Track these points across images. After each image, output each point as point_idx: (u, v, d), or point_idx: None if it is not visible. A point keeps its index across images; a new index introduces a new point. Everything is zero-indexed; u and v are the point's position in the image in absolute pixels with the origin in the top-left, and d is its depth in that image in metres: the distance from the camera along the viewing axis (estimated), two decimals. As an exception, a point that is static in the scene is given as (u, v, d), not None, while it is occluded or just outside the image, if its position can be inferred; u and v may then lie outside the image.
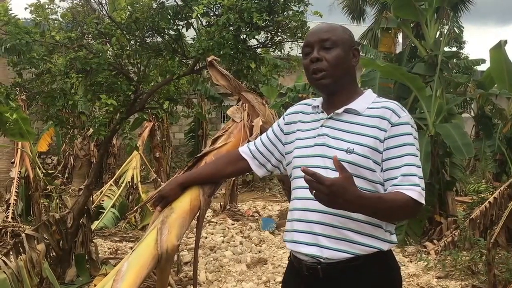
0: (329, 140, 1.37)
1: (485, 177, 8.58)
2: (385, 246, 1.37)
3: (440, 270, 4.34)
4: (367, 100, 1.42)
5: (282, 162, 1.54)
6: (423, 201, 1.32)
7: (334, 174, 1.34)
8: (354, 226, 1.34)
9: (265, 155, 1.56)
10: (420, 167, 1.35)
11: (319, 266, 1.36)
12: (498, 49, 5.57)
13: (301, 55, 1.50)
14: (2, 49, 3.68)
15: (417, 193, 1.30)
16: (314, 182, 1.18)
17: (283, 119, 1.55)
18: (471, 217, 4.92)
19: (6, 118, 4.24)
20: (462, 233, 4.79)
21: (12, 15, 3.32)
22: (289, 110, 1.56)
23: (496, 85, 7.52)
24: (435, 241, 5.08)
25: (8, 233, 5.27)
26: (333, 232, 1.34)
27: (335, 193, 1.18)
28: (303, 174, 1.39)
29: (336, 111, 1.41)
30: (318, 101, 1.49)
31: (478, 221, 4.84)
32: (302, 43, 1.47)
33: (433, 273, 4.32)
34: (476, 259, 4.28)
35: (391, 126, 1.35)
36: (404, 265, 4.49)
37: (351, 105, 1.41)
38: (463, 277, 4.18)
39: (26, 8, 3.31)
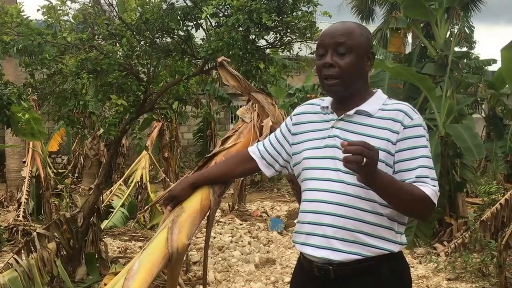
0: (340, 142, 1.36)
1: (496, 178, 8.48)
2: (396, 248, 1.37)
3: (450, 272, 4.30)
4: (378, 101, 1.40)
5: (290, 162, 1.54)
6: (436, 202, 1.32)
7: (345, 176, 1.34)
8: (366, 229, 1.33)
9: (273, 155, 1.56)
10: (433, 169, 1.34)
11: (330, 267, 1.36)
12: (510, 48, 5.49)
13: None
14: (14, 50, 3.74)
15: (431, 191, 1.30)
16: (366, 149, 1.17)
17: (291, 119, 1.54)
18: (482, 219, 4.87)
19: (18, 118, 4.30)
20: (472, 234, 4.74)
21: (25, 16, 3.37)
22: (296, 110, 1.54)
23: (507, 85, 7.42)
24: (445, 242, 5.03)
25: (19, 232, 5.35)
26: (346, 235, 1.34)
27: (376, 160, 1.19)
28: (314, 175, 1.39)
29: (347, 113, 1.39)
30: (327, 101, 1.46)
31: (489, 222, 4.78)
32: (316, 42, 1.44)
33: (443, 275, 4.28)
34: (487, 261, 4.23)
35: (404, 128, 1.34)
36: (413, 267, 4.46)
37: (362, 107, 1.39)
38: (473, 279, 4.14)
39: (38, 10, 3.36)
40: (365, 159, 1.16)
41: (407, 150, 1.33)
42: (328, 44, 1.37)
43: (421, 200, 1.29)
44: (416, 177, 1.31)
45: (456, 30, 6.41)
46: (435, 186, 1.32)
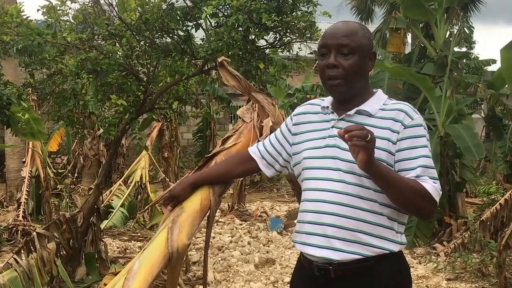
0: (341, 141, 1.35)
1: (495, 179, 8.49)
2: (396, 248, 1.37)
3: (449, 272, 4.30)
4: (378, 101, 1.41)
5: (290, 162, 1.54)
6: (437, 200, 1.32)
7: (346, 176, 1.35)
8: (366, 228, 1.34)
9: (273, 155, 1.56)
10: (434, 169, 1.35)
11: (330, 267, 1.36)
12: (510, 48, 5.50)
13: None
14: (13, 50, 3.74)
15: (432, 187, 1.30)
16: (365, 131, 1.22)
17: (291, 119, 1.54)
18: (481, 219, 4.87)
19: (18, 118, 4.30)
20: (472, 235, 4.74)
21: (25, 16, 3.37)
22: (296, 110, 1.55)
23: (507, 86, 7.44)
24: (444, 242, 5.04)
25: (19, 232, 5.35)
26: (346, 235, 1.34)
27: (374, 138, 1.24)
28: (314, 175, 1.40)
29: (348, 113, 1.40)
30: (327, 101, 1.47)
31: (488, 223, 4.79)
32: (316, 42, 1.46)
33: (443, 275, 4.29)
34: (486, 261, 4.23)
35: (404, 128, 1.35)
36: (413, 267, 4.46)
37: (363, 107, 1.39)
38: (473, 280, 4.14)
39: (38, 10, 3.36)
40: (369, 135, 1.21)
41: (407, 149, 1.34)
42: (331, 45, 1.37)
43: (421, 194, 1.29)
44: (416, 176, 1.32)
45: (455, 30, 6.42)
46: (435, 183, 1.32)
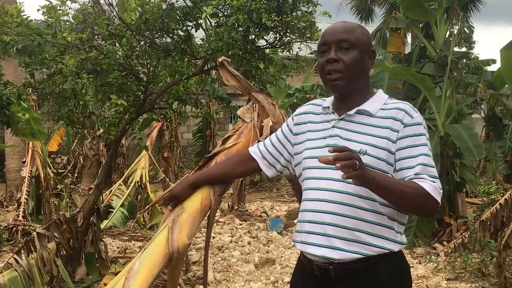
0: (341, 141, 1.36)
1: (495, 179, 8.50)
2: (396, 247, 1.37)
3: (449, 272, 4.30)
4: (379, 101, 1.41)
5: (291, 163, 1.54)
6: (438, 199, 1.31)
7: None
8: (366, 227, 1.34)
9: (274, 156, 1.56)
10: (434, 167, 1.35)
11: (330, 266, 1.36)
12: (510, 48, 5.50)
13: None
14: (13, 50, 3.74)
15: (431, 186, 1.30)
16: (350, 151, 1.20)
17: (292, 119, 1.54)
18: (481, 219, 4.87)
19: (18, 118, 4.30)
20: (472, 235, 4.75)
21: (25, 16, 3.37)
22: (298, 110, 1.55)
23: (506, 86, 7.44)
24: (444, 242, 5.04)
25: (19, 232, 5.35)
26: (346, 234, 1.34)
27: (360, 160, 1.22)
28: (314, 175, 1.40)
29: (348, 113, 1.40)
30: (328, 101, 1.47)
31: (488, 222, 4.78)
32: (316, 42, 1.47)
33: (443, 275, 4.29)
34: (486, 261, 4.24)
35: (404, 127, 1.35)
36: (413, 267, 4.46)
37: (363, 106, 1.40)
38: (473, 279, 4.14)
39: (38, 10, 3.36)
40: (357, 162, 1.19)
41: (407, 148, 1.34)
42: (331, 41, 1.38)
43: (421, 196, 1.29)
44: (415, 175, 1.32)
45: (455, 30, 6.42)
46: (435, 182, 1.31)
